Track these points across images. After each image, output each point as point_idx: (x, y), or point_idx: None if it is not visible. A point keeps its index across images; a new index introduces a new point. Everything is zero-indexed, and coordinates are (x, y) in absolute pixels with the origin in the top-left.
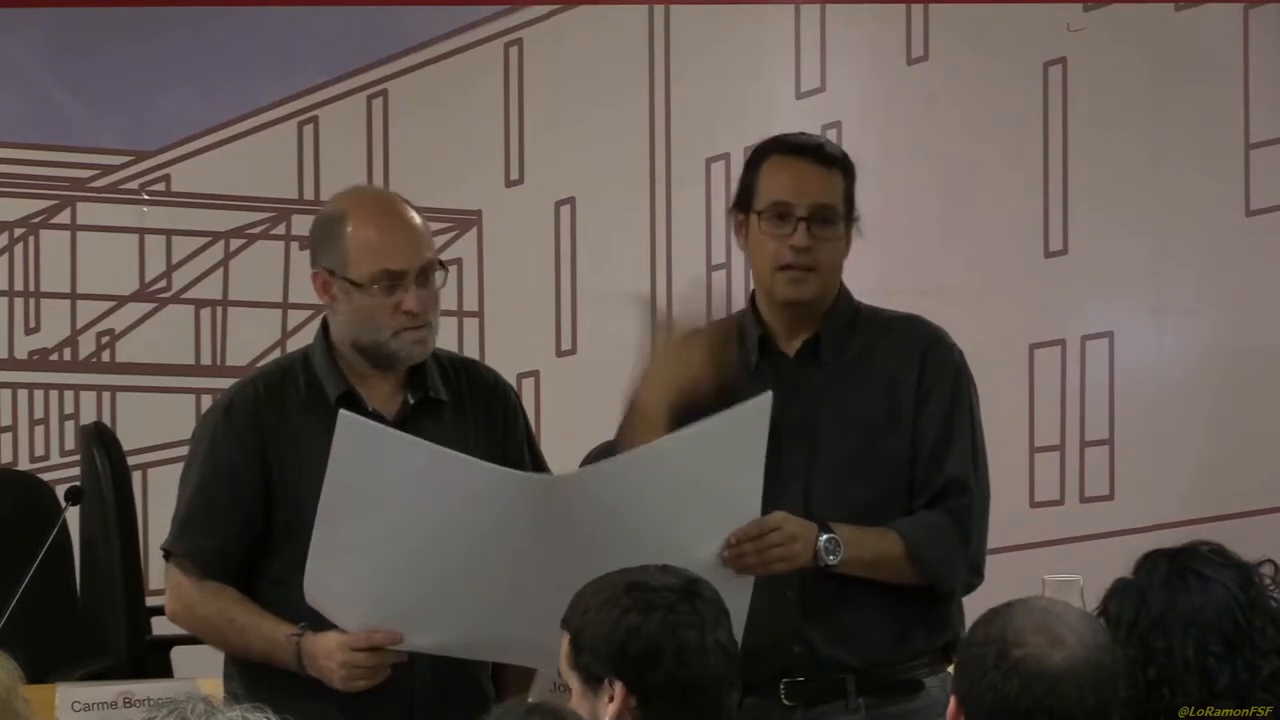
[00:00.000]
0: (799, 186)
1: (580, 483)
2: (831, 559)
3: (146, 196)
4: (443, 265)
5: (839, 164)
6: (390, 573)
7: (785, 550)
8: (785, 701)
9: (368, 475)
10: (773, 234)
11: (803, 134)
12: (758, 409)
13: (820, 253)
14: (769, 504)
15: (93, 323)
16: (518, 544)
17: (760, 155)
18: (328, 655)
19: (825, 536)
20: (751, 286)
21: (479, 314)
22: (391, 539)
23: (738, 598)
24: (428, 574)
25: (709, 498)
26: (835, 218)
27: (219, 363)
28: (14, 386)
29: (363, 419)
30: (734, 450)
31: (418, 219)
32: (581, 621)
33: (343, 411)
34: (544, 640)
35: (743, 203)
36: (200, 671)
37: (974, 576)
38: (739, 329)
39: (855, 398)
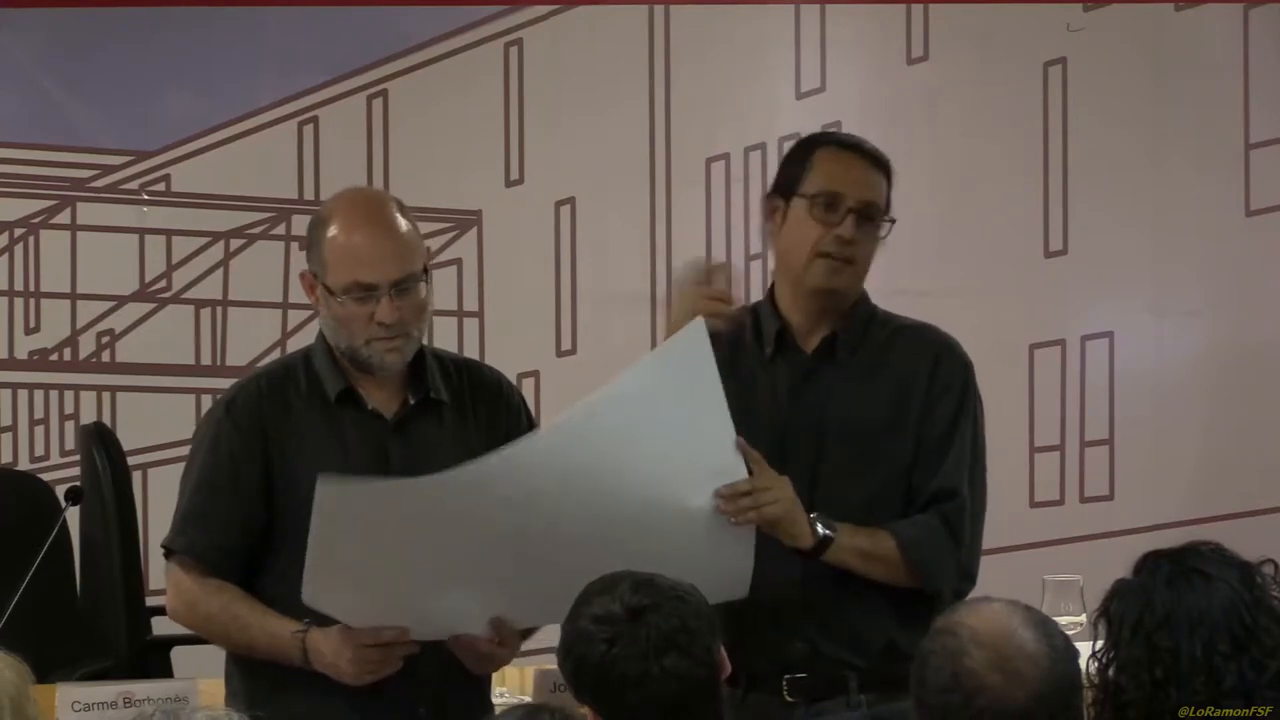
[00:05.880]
0: (852, 179)
1: (538, 447)
2: (829, 532)
3: (146, 196)
4: (426, 274)
5: (883, 167)
6: (386, 594)
7: (760, 498)
8: (787, 698)
9: (354, 530)
10: (821, 220)
11: (848, 134)
12: (691, 336)
13: (860, 248)
14: None
15: (93, 323)
16: (514, 527)
17: (808, 147)
18: (336, 653)
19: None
20: (770, 281)
21: (479, 314)
22: (385, 571)
23: (741, 548)
24: (425, 585)
25: (679, 439)
26: (878, 216)
27: (219, 363)
28: (14, 386)
29: (339, 481)
30: (683, 383)
31: (403, 227)
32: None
33: (320, 478)
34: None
35: (784, 189)
36: (200, 671)
37: (964, 582)
38: (753, 321)
39: (865, 399)
